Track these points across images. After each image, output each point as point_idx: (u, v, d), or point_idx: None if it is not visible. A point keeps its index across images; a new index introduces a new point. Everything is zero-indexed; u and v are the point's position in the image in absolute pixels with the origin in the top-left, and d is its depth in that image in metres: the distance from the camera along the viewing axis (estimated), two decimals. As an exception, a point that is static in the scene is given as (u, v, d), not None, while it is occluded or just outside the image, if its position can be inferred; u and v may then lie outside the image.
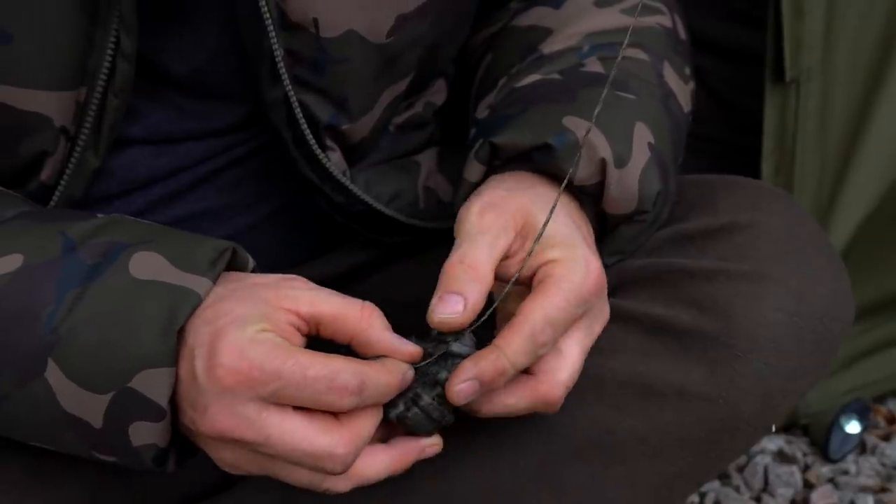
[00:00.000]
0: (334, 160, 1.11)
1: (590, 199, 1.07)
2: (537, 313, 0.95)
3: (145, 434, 0.93)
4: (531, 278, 0.99)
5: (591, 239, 1.04)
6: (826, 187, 1.61)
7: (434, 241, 1.20)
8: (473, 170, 1.07)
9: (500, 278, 1.00)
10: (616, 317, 1.06)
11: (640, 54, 1.14)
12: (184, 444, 0.96)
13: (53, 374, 0.92)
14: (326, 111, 1.09)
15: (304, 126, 1.08)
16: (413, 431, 0.97)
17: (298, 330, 0.93)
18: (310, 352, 0.91)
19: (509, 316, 0.97)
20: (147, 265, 0.94)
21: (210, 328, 0.91)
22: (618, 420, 1.06)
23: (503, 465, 1.07)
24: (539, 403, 0.98)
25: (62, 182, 1.04)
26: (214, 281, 0.93)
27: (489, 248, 0.98)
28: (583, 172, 1.04)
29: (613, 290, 1.08)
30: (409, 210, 1.18)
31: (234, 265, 0.97)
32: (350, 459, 0.91)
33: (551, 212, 0.97)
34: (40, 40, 0.98)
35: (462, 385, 0.94)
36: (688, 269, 1.07)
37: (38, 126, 1.01)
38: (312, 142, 1.08)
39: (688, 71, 1.20)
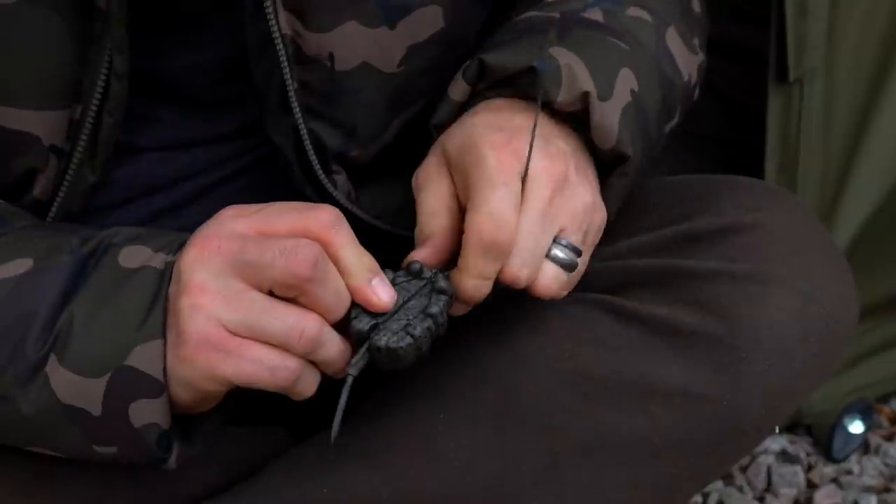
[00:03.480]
0: (340, 183, 1.12)
1: (577, 132, 1.07)
2: (469, 229, 0.98)
3: (146, 413, 0.94)
4: None
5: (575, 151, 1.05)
6: (829, 187, 1.61)
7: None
8: (458, 89, 1.08)
9: None
10: (620, 317, 1.06)
11: (645, 15, 1.15)
12: (183, 434, 0.98)
13: (51, 366, 0.94)
14: (336, 139, 1.09)
15: (312, 155, 1.08)
16: (391, 363, 0.97)
17: None
18: None
19: None
20: (136, 256, 0.96)
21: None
22: (621, 421, 1.06)
23: (505, 466, 1.07)
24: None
25: (58, 197, 1.05)
26: None
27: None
28: (564, 97, 1.04)
29: (618, 290, 1.08)
30: (414, 221, 1.18)
31: None
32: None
33: (532, 136, 0.99)
34: (29, 60, 1.00)
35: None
36: (692, 270, 1.07)
37: (27, 144, 1.03)
38: (319, 171, 1.09)
39: (696, 42, 1.20)
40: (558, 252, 1.02)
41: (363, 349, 0.97)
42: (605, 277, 1.09)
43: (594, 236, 1.05)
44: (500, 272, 0.99)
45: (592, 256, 1.09)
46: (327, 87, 1.07)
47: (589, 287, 1.08)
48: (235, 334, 0.93)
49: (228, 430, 1.14)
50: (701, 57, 1.21)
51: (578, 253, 1.03)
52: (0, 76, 1.00)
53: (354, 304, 0.97)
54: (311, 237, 0.94)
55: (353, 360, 0.97)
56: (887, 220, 1.65)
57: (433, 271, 0.99)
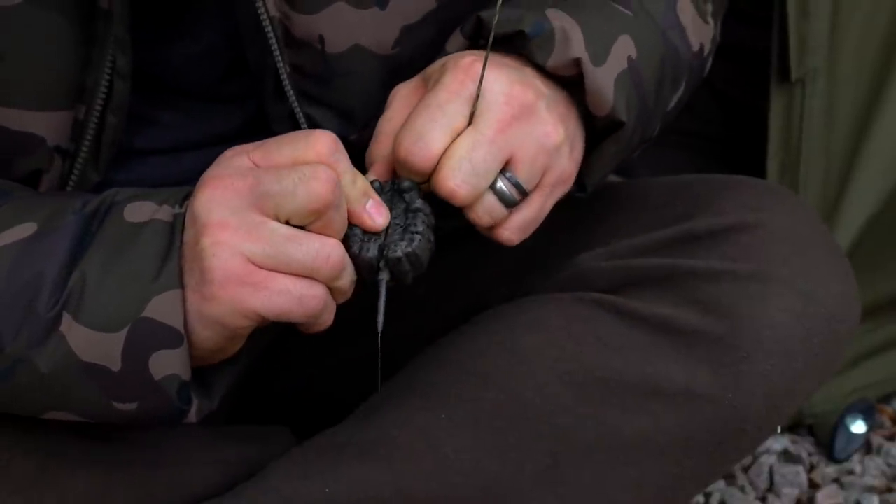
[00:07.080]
0: None
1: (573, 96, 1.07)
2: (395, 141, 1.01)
3: (167, 363, 0.94)
4: None
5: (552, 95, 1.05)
6: (831, 187, 1.61)
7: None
8: (455, 42, 1.08)
9: None
10: (622, 316, 1.06)
11: None
12: (201, 390, 0.98)
13: (67, 324, 0.94)
14: (333, 124, 1.09)
15: None
16: (414, 269, 0.99)
17: None
18: None
19: None
20: (141, 211, 0.97)
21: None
22: (623, 420, 1.06)
23: (507, 466, 1.07)
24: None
25: None
26: None
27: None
28: (554, 62, 1.04)
29: (619, 290, 1.08)
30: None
31: None
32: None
33: (482, 73, 0.99)
34: (33, 61, 1.00)
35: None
36: (694, 270, 1.07)
37: (31, 145, 1.03)
38: None
39: (710, 8, 1.18)
40: (500, 182, 1.01)
41: (382, 264, 0.98)
42: (606, 277, 1.09)
43: (554, 182, 1.04)
44: (436, 183, 1.00)
45: (592, 252, 1.09)
46: (320, 70, 1.07)
47: (590, 287, 1.09)
48: (261, 267, 0.93)
49: (228, 429, 1.14)
50: (712, 27, 1.19)
51: (522, 191, 1.02)
52: (4, 77, 1.00)
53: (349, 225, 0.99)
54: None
55: (381, 266, 0.99)
56: (889, 220, 1.65)
57: (389, 180, 1.01)
